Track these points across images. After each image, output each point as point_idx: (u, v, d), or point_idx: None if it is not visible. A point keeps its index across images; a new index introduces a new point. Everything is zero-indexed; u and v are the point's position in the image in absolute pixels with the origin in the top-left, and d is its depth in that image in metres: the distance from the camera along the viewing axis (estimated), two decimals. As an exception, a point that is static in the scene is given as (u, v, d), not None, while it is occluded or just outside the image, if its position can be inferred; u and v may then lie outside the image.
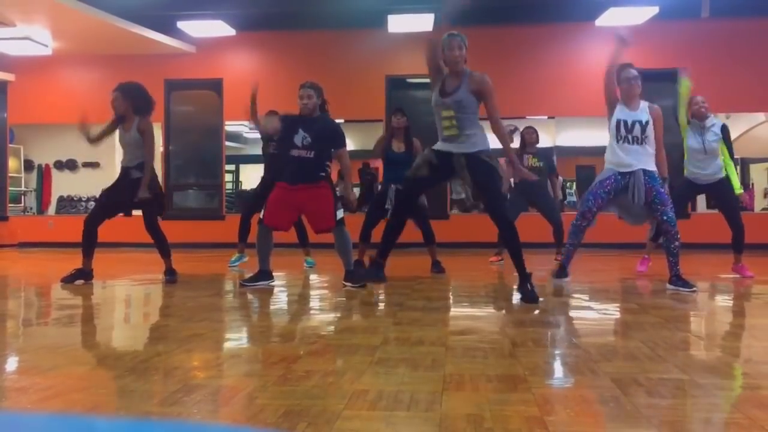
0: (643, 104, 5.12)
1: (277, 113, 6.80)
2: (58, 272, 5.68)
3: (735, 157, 6.44)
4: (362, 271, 4.54)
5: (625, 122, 5.03)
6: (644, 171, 5.00)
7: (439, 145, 4.72)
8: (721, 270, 6.59)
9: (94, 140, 5.87)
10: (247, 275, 5.56)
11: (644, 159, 5.03)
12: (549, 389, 2.39)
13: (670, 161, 5.34)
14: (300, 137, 5.19)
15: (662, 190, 5.06)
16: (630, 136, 5.02)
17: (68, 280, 5.62)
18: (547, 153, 8.12)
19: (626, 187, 5.03)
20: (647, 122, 5.04)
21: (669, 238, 5.06)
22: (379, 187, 6.61)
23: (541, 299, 4.47)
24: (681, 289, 5.02)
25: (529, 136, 7.77)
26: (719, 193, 6.14)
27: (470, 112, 4.56)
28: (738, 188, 6.19)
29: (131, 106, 5.66)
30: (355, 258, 5.76)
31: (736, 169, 6.43)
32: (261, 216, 5.36)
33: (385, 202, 6.29)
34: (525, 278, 4.50)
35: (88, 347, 3.23)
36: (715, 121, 6.10)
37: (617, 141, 5.06)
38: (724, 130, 6.10)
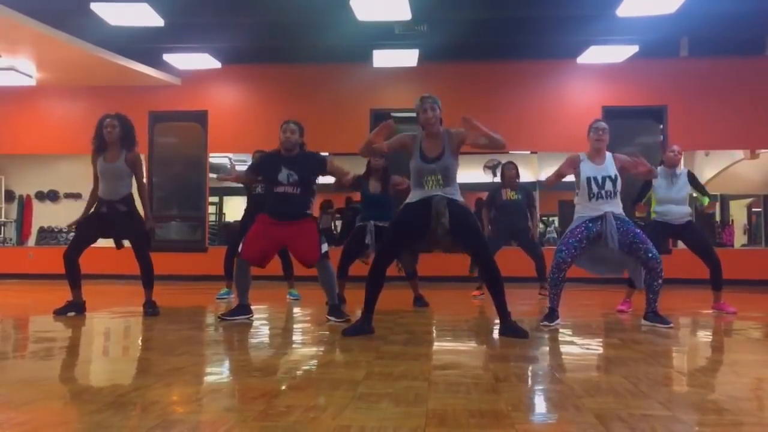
0: (608, 156, 5.15)
1: (264, 152, 6.84)
2: (36, 304, 5.62)
3: (715, 193, 6.56)
4: (353, 328, 4.54)
5: (596, 179, 5.04)
6: (614, 215, 5.02)
7: (416, 197, 4.55)
8: (702, 306, 6.61)
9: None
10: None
11: (615, 208, 5.06)
12: (532, 425, 2.38)
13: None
14: (285, 175, 5.21)
15: (638, 230, 5.08)
16: (603, 192, 5.03)
17: (61, 312, 5.61)
18: (526, 188, 8.12)
19: (598, 234, 5.01)
20: (616, 176, 5.06)
21: (653, 275, 5.05)
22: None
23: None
24: (657, 324, 5.03)
25: (509, 172, 7.81)
26: (689, 233, 6.18)
27: (454, 172, 4.56)
28: (705, 199, 6.31)
29: (121, 137, 5.65)
30: None
31: (714, 205, 6.54)
32: (239, 250, 5.32)
33: (365, 238, 6.29)
34: (507, 317, 4.50)
35: (65, 381, 3.17)
36: (682, 169, 6.25)
37: (589, 199, 5.05)
38: (691, 176, 6.28)
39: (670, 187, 6.12)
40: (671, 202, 6.11)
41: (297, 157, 5.29)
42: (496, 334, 4.67)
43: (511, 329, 4.45)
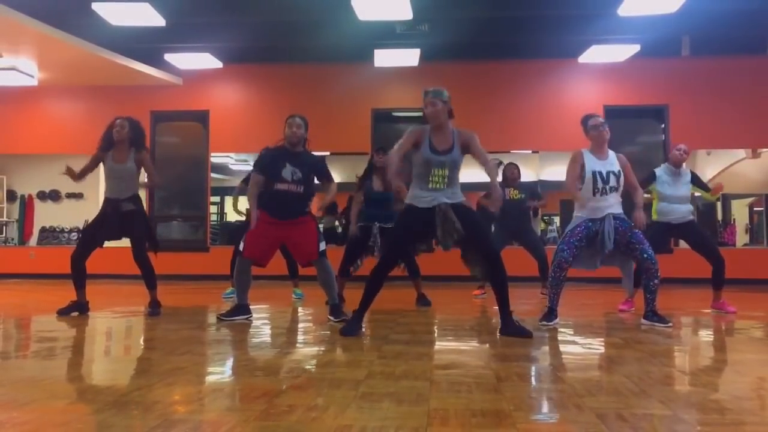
0: (611, 153, 5.16)
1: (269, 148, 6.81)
2: (38, 304, 5.62)
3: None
4: (348, 327, 4.53)
5: (601, 173, 5.04)
6: (614, 215, 5.03)
7: (417, 201, 4.51)
8: (703, 305, 6.60)
9: (80, 177, 5.80)
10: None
11: (615, 206, 5.07)
12: (534, 424, 2.38)
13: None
14: (289, 172, 5.18)
15: (636, 230, 5.08)
16: (607, 187, 5.03)
17: (64, 312, 5.62)
18: (529, 184, 8.11)
19: (597, 232, 5.02)
20: (619, 172, 5.08)
21: (649, 275, 5.07)
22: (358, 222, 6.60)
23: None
24: (656, 324, 5.03)
25: (511, 173, 7.81)
26: (691, 232, 6.18)
27: (459, 169, 4.56)
28: (709, 194, 6.33)
29: (131, 137, 5.69)
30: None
31: (717, 204, 6.53)
32: (240, 249, 5.31)
33: (369, 239, 6.29)
34: (509, 317, 4.49)
35: (67, 381, 3.17)
36: (686, 169, 6.26)
37: (594, 194, 5.03)
38: (694, 176, 6.30)
39: (673, 185, 6.12)
40: (674, 200, 6.10)
41: (302, 155, 5.28)
42: (498, 333, 4.67)
43: (513, 329, 4.45)
